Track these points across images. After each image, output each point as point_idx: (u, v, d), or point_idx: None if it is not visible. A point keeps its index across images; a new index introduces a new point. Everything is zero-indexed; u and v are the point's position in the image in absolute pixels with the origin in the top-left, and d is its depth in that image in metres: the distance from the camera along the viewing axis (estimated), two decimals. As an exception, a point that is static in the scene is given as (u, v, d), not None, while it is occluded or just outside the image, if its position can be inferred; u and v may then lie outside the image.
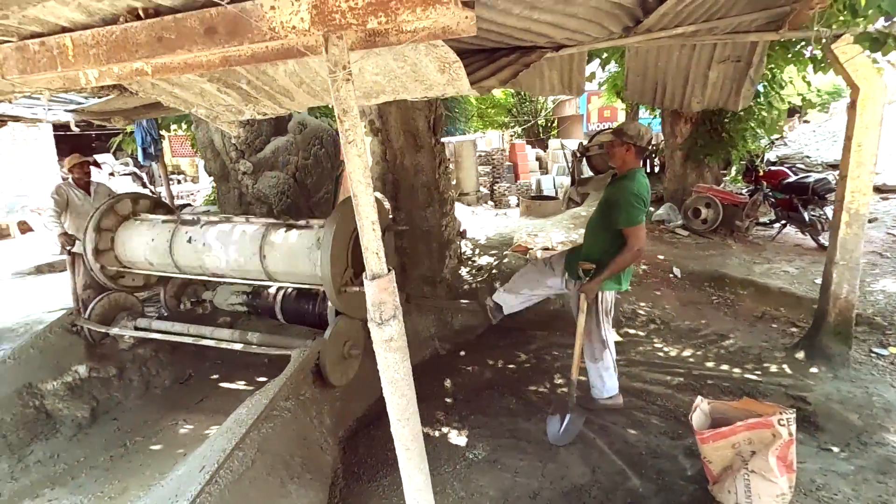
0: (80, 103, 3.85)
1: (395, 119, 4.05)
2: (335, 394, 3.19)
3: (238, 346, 3.15)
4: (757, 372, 3.72)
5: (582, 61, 3.75)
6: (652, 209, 7.80)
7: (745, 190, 7.90)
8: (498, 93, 23.08)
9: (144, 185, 13.80)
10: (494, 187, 14.04)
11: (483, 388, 3.75)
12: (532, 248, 6.19)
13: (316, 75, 1.72)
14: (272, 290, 3.93)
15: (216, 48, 1.22)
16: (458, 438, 3.16)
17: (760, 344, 4.17)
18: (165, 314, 4.19)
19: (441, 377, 3.96)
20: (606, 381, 3.26)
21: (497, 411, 3.42)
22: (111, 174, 14.42)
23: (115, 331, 3.50)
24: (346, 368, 3.20)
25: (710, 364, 3.91)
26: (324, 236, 2.95)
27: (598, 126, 19.78)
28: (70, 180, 4.64)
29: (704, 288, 5.35)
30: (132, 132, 7.38)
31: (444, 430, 3.26)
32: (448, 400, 3.63)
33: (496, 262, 5.44)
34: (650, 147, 10.22)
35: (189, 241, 3.54)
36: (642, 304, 5.06)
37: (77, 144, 15.60)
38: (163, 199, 4.09)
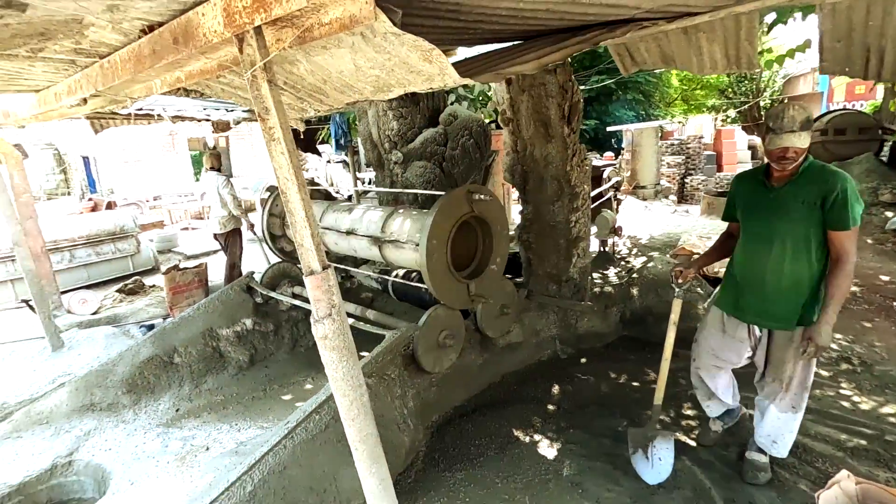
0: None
1: (527, 108, 3.88)
2: (431, 379, 3.28)
3: (350, 321, 3.46)
4: None
5: (752, 27, 3.01)
6: (889, 214, 5.95)
7: None
8: (708, 71, 20.18)
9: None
10: (686, 180, 12.41)
11: (592, 403, 3.42)
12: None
13: (335, 71, 1.77)
14: (399, 272, 4.22)
15: (182, 54, 1.36)
16: (546, 449, 2.95)
17: None
18: (320, 284, 4.87)
19: (552, 381, 3.74)
20: (794, 436, 2.52)
21: (600, 430, 3.08)
22: (328, 161, 17.09)
23: (273, 294, 4.19)
24: (441, 356, 3.25)
25: (919, 430, 2.86)
26: (423, 224, 3.03)
27: (843, 105, 15.81)
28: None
29: (947, 326, 3.91)
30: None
31: (536, 437, 3.08)
32: (550, 407, 3.41)
33: (640, 266, 4.84)
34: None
35: (334, 222, 4.02)
36: (838, 335, 3.96)
37: (306, 138, 18.93)
38: (321, 185, 4.68)
